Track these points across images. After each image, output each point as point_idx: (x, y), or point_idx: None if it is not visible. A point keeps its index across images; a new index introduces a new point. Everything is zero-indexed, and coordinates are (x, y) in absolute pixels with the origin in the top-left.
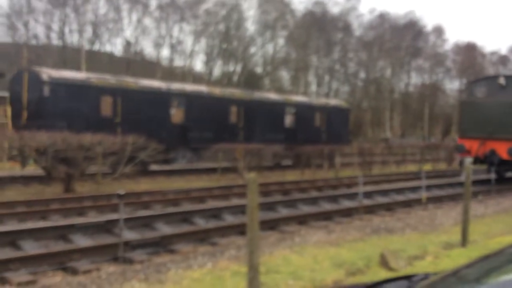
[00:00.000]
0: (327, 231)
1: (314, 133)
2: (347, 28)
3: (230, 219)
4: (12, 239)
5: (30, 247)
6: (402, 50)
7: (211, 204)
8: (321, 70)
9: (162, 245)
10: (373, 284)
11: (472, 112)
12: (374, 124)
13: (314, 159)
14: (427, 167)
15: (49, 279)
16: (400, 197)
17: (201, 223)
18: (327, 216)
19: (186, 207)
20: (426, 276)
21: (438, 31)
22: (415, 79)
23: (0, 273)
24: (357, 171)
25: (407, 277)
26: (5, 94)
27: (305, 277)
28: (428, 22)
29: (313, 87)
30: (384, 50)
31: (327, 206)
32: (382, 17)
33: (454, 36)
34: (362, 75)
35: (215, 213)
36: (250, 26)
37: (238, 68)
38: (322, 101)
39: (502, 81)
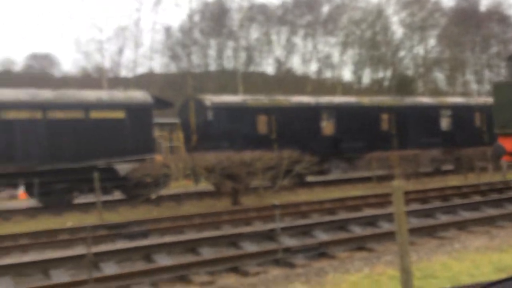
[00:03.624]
0: (489, 236)
1: (475, 134)
2: (503, 21)
3: (386, 226)
4: (192, 246)
5: (207, 253)
6: None
7: (367, 212)
8: (479, 66)
9: (320, 251)
10: (491, 283)
11: None
12: None
13: (477, 161)
14: None
15: (225, 279)
16: None
17: (357, 231)
18: (489, 221)
19: (342, 215)
20: None
21: None
22: None
23: (184, 274)
24: None
25: None
26: (174, 120)
27: (463, 282)
28: None
29: (473, 85)
30: None
31: (490, 211)
32: None
33: None
34: None
35: (370, 221)
36: (397, 30)
37: (388, 73)
38: (481, 100)
39: None
